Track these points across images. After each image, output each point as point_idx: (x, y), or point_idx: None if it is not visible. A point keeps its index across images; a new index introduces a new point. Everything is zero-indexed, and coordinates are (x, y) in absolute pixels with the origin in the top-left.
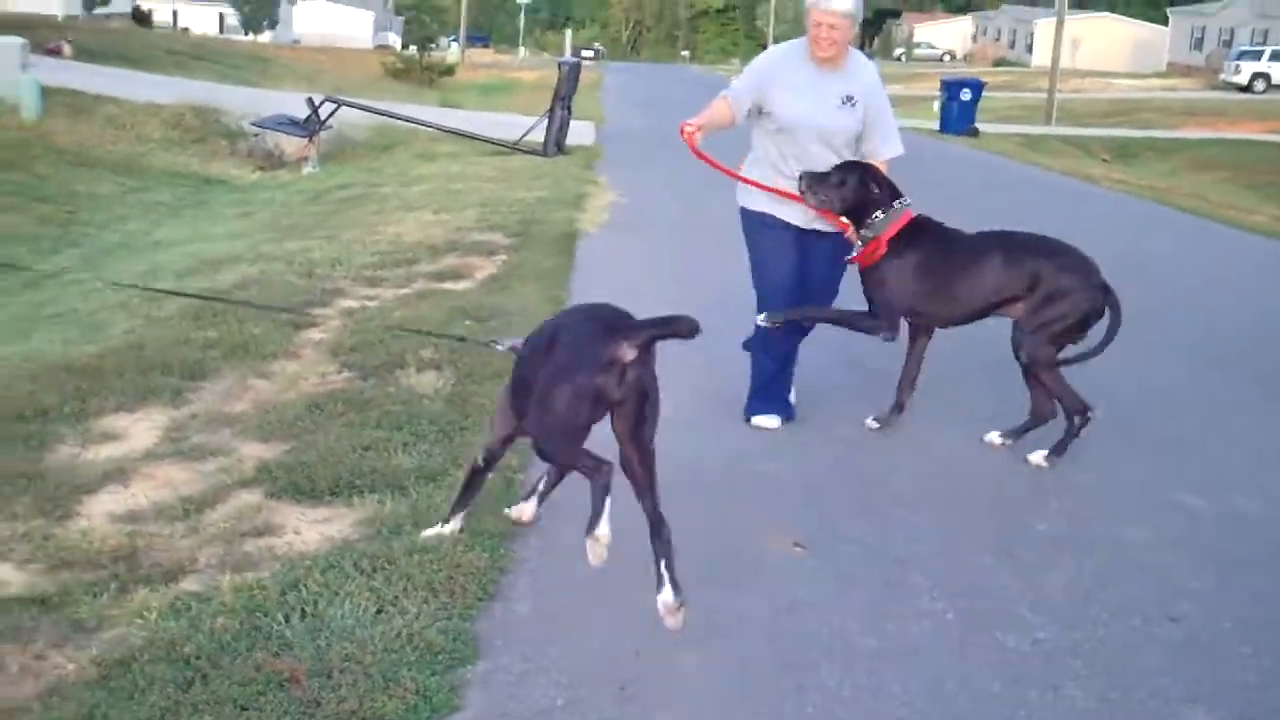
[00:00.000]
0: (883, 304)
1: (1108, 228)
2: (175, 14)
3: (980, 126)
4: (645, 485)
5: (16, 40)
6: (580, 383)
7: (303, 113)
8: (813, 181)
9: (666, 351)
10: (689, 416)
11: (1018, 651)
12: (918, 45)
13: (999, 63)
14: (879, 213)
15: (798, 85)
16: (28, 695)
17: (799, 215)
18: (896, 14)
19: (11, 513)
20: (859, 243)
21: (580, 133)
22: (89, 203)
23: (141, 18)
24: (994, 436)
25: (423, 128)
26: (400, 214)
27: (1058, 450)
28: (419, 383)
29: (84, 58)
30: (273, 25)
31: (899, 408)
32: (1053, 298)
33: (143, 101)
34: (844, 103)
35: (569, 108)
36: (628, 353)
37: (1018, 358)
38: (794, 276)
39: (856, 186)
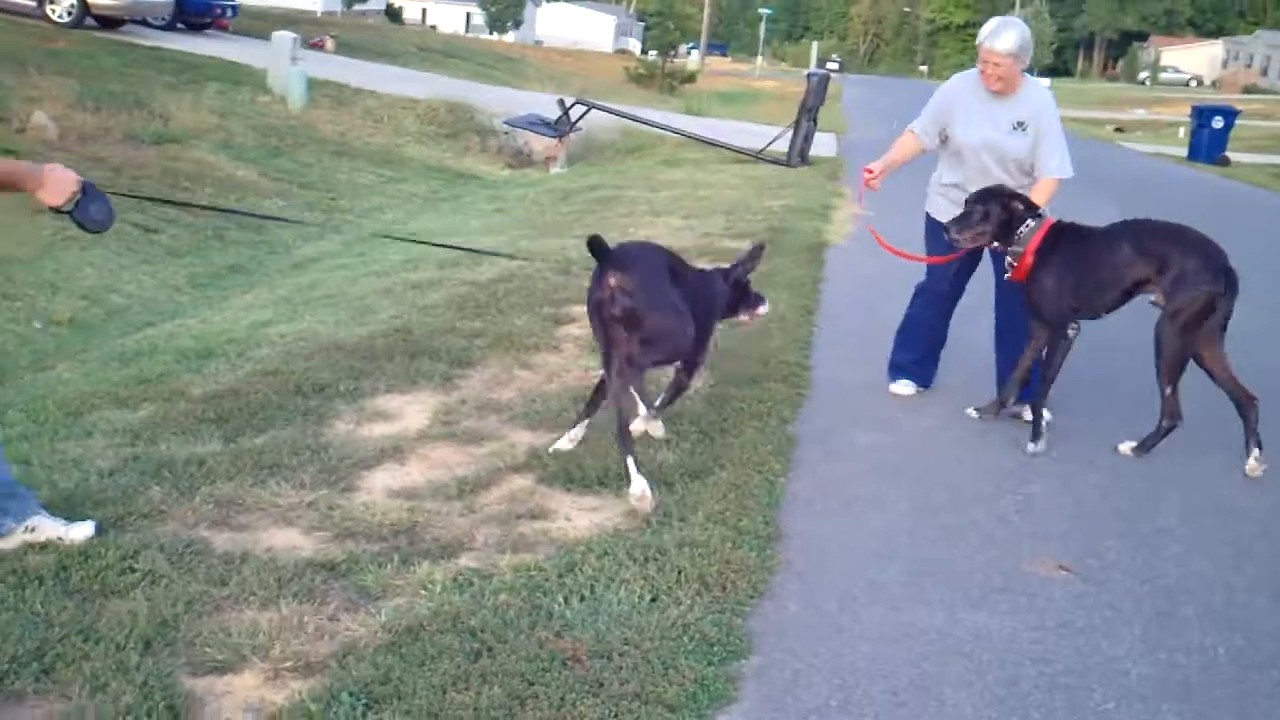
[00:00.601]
0: (1049, 308)
1: None
2: (424, 11)
3: (1231, 155)
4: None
5: (289, 35)
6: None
7: (551, 113)
8: (958, 226)
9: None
10: (953, 435)
11: None
12: (1163, 69)
13: (1249, 89)
14: (1024, 226)
15: (974, 113)
16: (324, 654)
17: None
18: (1143, 36)
19: (299, 481)
20: (1010, 259)
21: (822, 144)
22: (349, 191)
23: (394, 14)
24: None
25: (667, 133)
26: (649, 218)
27: (1143, 445)
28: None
29: (343, 52)
30: (517, 25)
31: (1001, 404)
32: (1180, 281)
33: (399, 95)
34: (1015, 128)
35: (815, 119)
36: (611, 279)
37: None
38: (958, 276)
39: (999, 212)
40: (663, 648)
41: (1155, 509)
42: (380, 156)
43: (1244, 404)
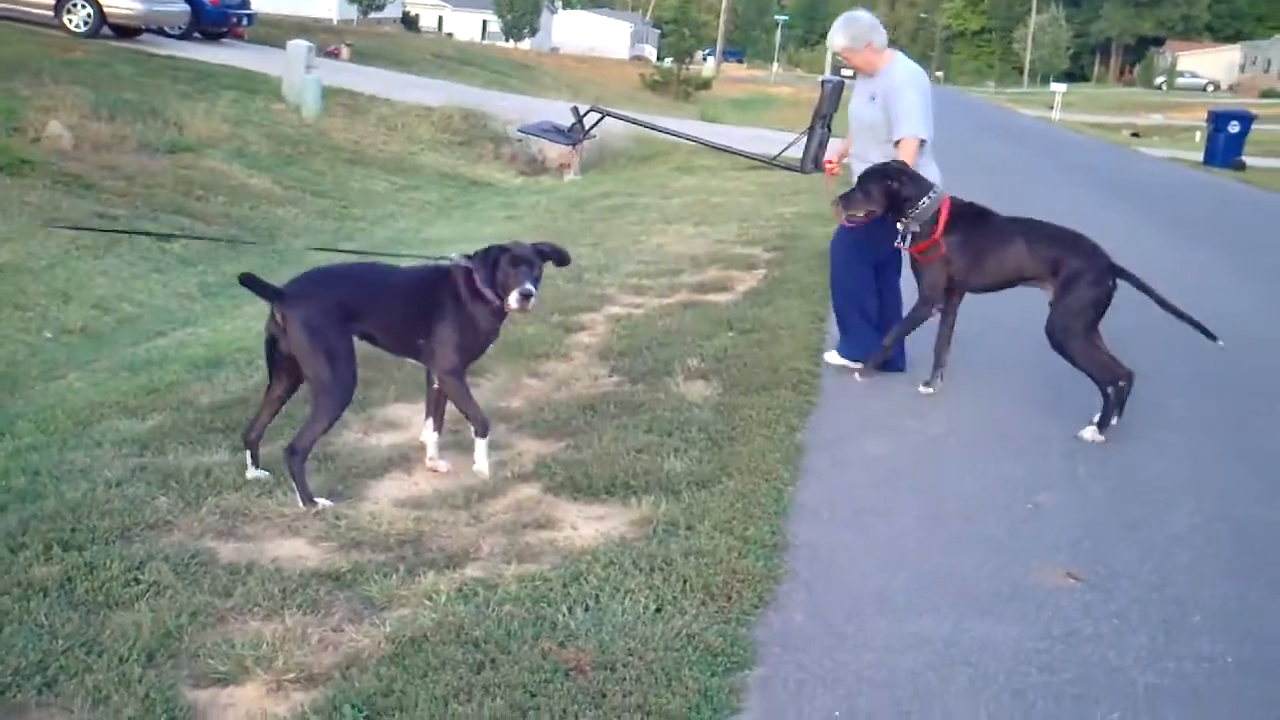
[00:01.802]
0: (931, 282)
1: None
2: (440, 19)
3: (1247, 160)
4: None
5: (304, 44)
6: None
7: (565, 120)
8: (845, 202)
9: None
10: (963, 444)
11: None
12: (1180, 74)
13: (1267, 94)
14: (923, 200)
15: (855, 93)
16: (327, 665)
17: None
18: (1160, 42)
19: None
20: (907, 232)
21: (836, 150)
22: (362, 199)
23: (409, 22)
24: (1088, 433)
25: (682, 141)
26: (661, 225)
27: (1103, 423)
28: (688, 390)
29: (358, 60)
30: (533, 33)
31: (941, 365)
32: (1071, 281)
33: (413, 103)
34: (870, 100)
35: (829, 126)
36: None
37: (1050, 337)
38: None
39: (882, 191)
40: (666, 658)
41: (1166, 517)
42: (394, 164)
43: (1122, 379)
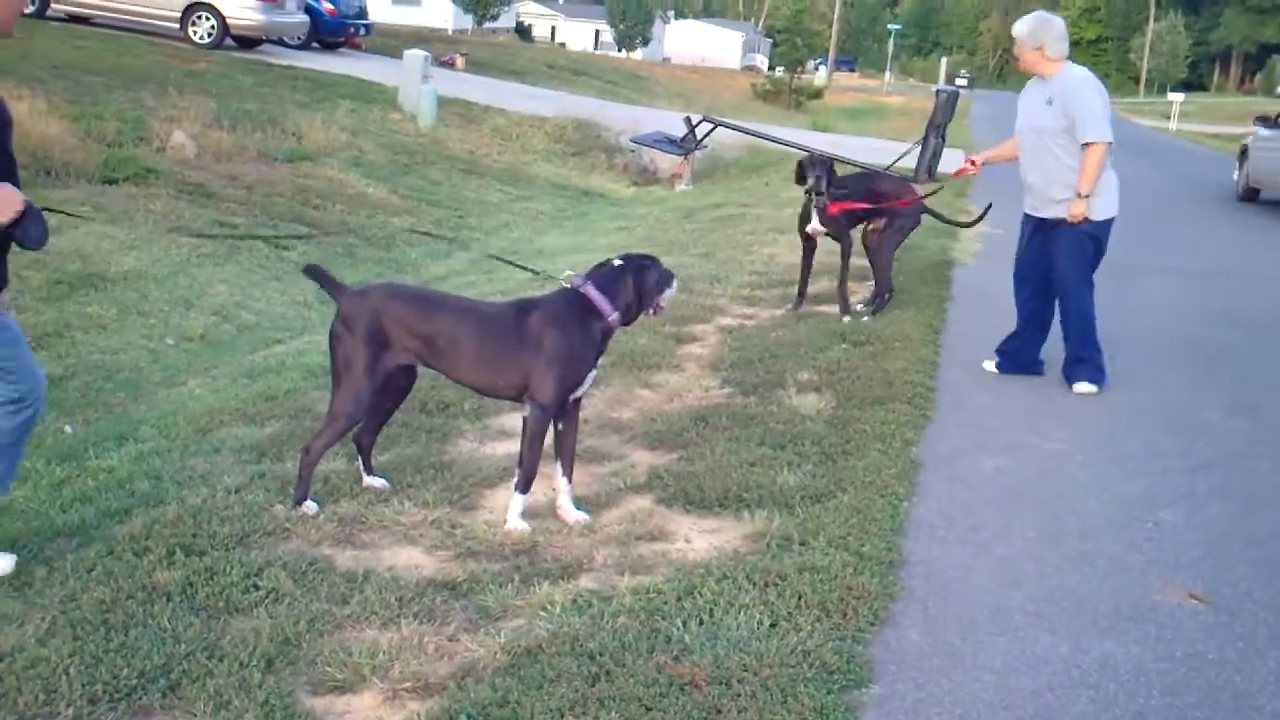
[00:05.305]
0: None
1: None
2: (554, 29)
3: None
4: None
5: (421, 54)
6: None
7: (677, 130)
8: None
9: (1049, 403)
10: (1081, 460)
11: None
12: None
13: None
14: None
15: (1026, 102)
16: (443, 675)
17: (1032, 205)
18: None
19: (423, 500)
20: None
21: (951, 160)
22: (477, 209)
23: (523, 32)
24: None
25: (794, 150)
26: (773, 235)
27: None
28: (801, 403)
29: (473, 69)
30: (645, 43)
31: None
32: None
33: (527, 113)
34: (1046, 105)
35: (943, 136)
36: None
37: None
38: (1030, 259)
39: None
40: (782, 675)
41: None
42: (508, 174)
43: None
